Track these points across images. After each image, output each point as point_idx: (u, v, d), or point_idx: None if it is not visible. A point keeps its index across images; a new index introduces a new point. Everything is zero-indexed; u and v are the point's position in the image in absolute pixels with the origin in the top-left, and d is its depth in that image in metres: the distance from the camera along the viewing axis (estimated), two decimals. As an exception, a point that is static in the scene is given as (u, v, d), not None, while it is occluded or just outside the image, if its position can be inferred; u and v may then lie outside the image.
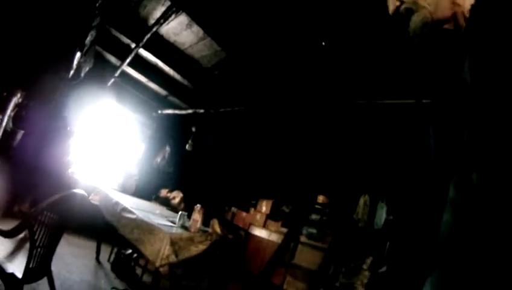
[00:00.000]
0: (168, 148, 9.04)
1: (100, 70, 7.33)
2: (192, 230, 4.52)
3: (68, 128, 7.03)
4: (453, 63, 1.19)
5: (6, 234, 2.72)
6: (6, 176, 5.84)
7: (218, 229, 4.91)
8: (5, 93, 4.52)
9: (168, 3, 4.84)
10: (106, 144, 8.47)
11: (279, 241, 6.90)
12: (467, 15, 1.22)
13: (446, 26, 1.32)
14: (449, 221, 1.01)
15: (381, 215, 5.98)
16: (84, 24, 4.68)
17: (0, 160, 5.36)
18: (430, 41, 1.36)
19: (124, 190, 7.89)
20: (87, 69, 6.73)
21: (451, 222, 1.00)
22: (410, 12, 1.36)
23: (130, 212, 4.57)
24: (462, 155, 1.02)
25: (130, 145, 8.98)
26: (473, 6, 1.15)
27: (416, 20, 1.34)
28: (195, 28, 5.39)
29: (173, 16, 4.69)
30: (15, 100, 4.67)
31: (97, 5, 4.22)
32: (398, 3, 1.39)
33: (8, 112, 4.60)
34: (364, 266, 5.66)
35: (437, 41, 1.36)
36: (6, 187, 5.95)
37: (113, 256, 5.64)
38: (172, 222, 4.84)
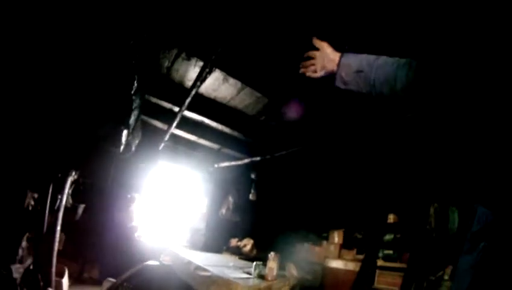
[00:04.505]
0: (231, 198, 9.07)
1: (150, 137, 7.57)
2: (270, 278, 4.49)
3: (129, 196, 7.30)
4: None
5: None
6: (74, 246, 6.21)
7: (294, 272, 4.87)
8: (59, 174, 4.82)
9: (201, 63, 5.00)
10: (169, 203, 8.67)
11: (357, 269, 6.73)
12: None
13: None
14: None
15: (454, 219, 5.76)
16: (125, 109, 4.94)
17: (65, 234, 5.58)
18: None
19: (193, 246, 7.99)
20: (137, 142, 7.02)
21: None
22: None
23: (204, 270, 4.56)
24: None
25: (193, 201, 9.15)
26: None
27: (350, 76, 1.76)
28: (232, 80, 5.50)
29: (208, 75, 4.79)
30: (71, 179, 4.97)
31: (132, 92, 4.44)
32: None
33: (66, 190, 4.90)
34: (446, 277, 5.42)
35: None
36: (74, 257, 6.34)
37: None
38: (247, 272, 4.80)
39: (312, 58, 2.00)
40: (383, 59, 1.68)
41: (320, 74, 1.93)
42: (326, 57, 1.87)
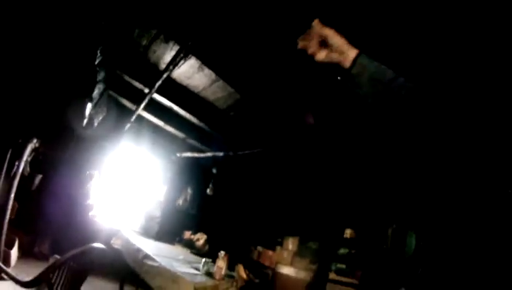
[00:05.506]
0: (189, 190, 8.96)
1: (116, 114, 7.33)
2: (217, 277, 4.37)
3: (87, 173, 7.05)
4: None
5: (25, 285, 2.75)
6: (26, 217, 5.97)
7: (243, 274, 4.77)
8: (20, 140, 4.59)
9: (177, 47, 4.83)
10: (127, 186, 8.47)
11: (308, 278, 6.67)
12: None
13: None
14: None
15: (411, 243, 5.79)
16: (88, 80, 4.74)
17: (19, 203, 5.44)
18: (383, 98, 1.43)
19: (146, 233, 7.78)
20: (101, 117, 6.78)
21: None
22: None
23: (153, 259, 4.44)
24: None
25: (151, 187, 8.95)
26: None
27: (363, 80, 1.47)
28: (207, 70, 5.35)
29: (183, 61, 4.65)
30: (31, 146, 4.74)
31: (96, 62, 4.24)
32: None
33: (25, 157, 4.67)
34: (398, 298, 5.44)
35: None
36: (26, 228, 6.05)
37: (136, 299, 5.49)
38: (196, 268, 4.68)
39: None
40: (402, 81, 1.46)
41: (321, 58, 1.60)
42: (334, 47, 1.56)
